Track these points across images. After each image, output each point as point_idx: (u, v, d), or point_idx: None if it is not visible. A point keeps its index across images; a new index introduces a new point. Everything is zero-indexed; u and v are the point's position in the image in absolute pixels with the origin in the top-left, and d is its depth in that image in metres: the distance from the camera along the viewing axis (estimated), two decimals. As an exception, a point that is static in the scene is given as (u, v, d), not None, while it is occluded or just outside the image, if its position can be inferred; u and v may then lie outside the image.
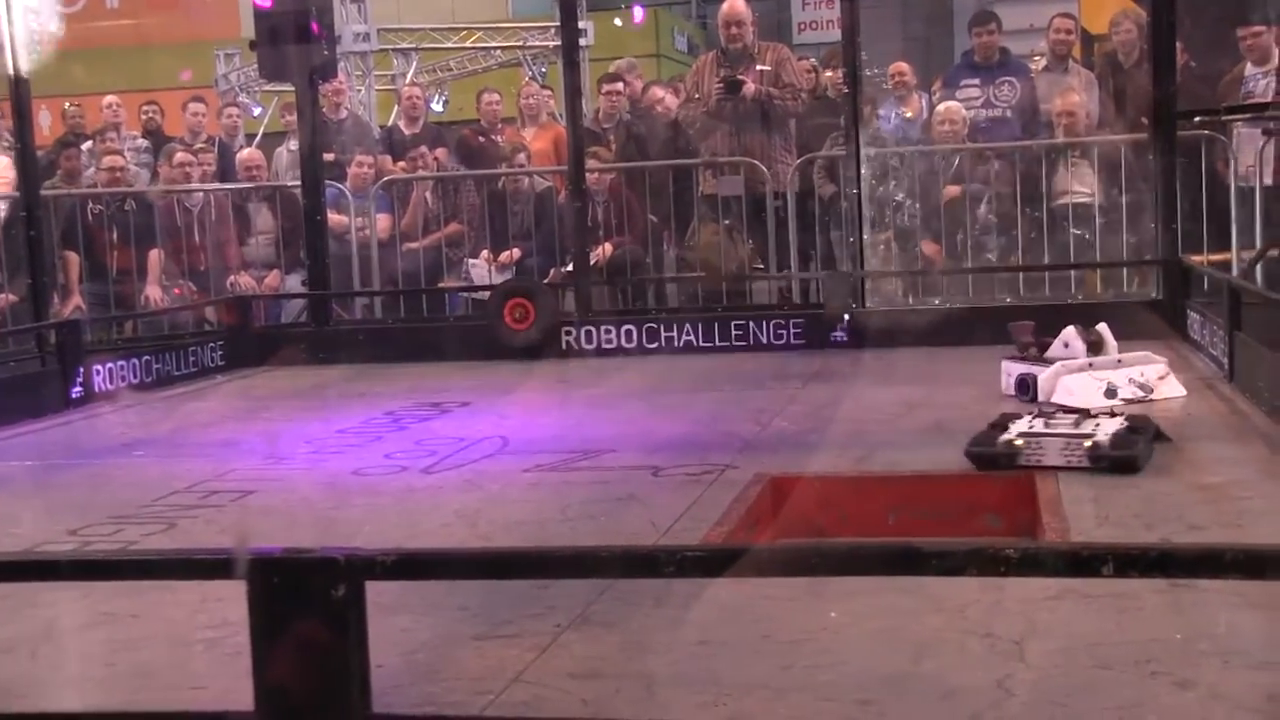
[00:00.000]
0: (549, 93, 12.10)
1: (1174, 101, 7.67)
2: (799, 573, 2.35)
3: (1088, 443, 4.47)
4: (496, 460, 5.20)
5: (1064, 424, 4.75)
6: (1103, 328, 6.00)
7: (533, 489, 4.69)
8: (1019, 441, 4.58)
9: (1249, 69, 9.06)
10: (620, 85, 10.53)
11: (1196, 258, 8.08)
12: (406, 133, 10.94)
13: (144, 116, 11.72)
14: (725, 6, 9.56)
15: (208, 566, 2.19)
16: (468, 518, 4.31)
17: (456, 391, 6.97)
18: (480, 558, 2.35)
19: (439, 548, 2.22)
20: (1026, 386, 5.78)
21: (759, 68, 9.31)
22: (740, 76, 9.18)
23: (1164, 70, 7.64)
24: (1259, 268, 7.88)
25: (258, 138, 14.10)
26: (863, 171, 8.42)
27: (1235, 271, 7.99)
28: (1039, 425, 4.74)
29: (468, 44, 18.07)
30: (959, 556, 2.12)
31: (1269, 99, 8.08)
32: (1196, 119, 8.13)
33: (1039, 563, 2.13)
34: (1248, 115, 7.96)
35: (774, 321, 8.11)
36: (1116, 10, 9.94)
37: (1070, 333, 5.92)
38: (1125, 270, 8.71)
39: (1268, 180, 8.36)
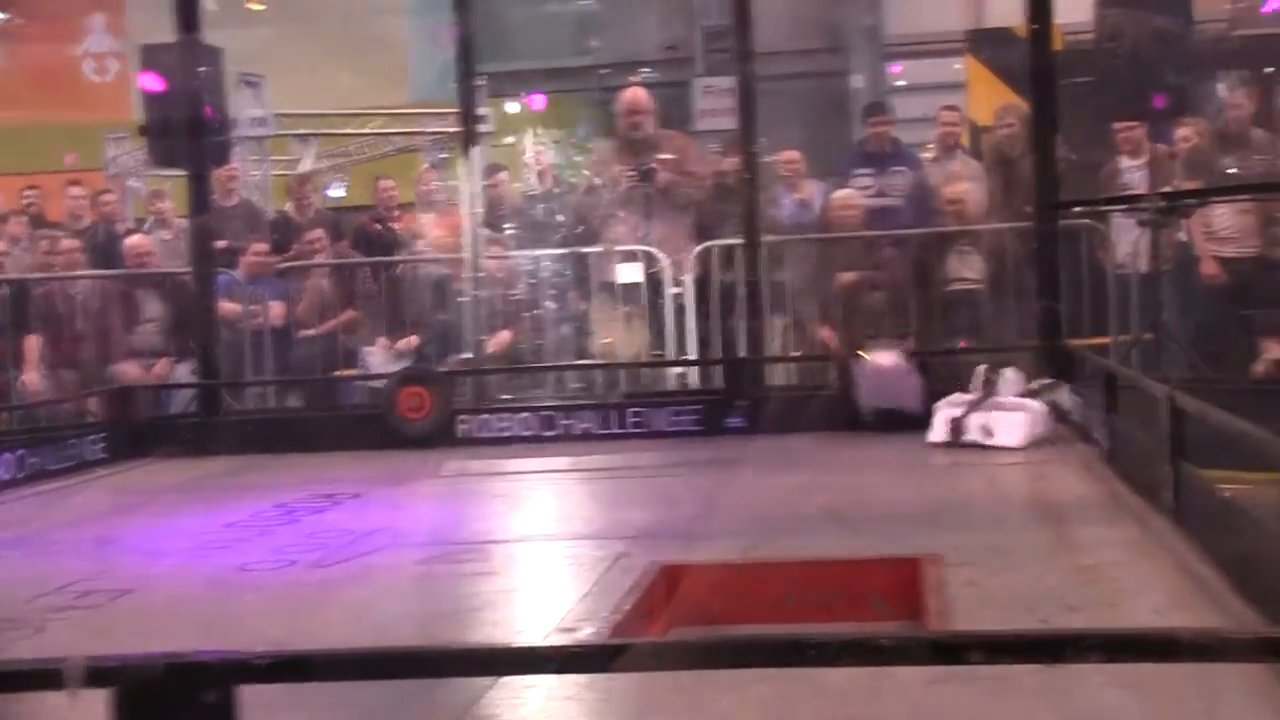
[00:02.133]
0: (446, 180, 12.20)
1: (1055, 191, 7.91)
2: (684, 667, 2.38)
3: None
4: (388, 553, 5.16)
5: None
6: (1008, 371, 6.46)
7: (425, 582, 4.67)
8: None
9: (1124, 162, 9.42)
10: (504, 175, 10.64)
11: (1078, 342, 8.31)
12: (298, 219, 10.96)
13: (24, 201, 11.60)
14: (626, 95, 9.69)
15: (66, 676, 2.16)
16: (357, 613, 4.28)
17: (349, 482, 6.90)
18: (358, 658, 2.34)
19: (316, 648, 2.21)
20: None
21: (663, 156, 9.45)
22: (651, 165, 9.30)
23: (1045, 161, 7.87)
24: (1134, 352, 8.16)
25: (148, 223, 14.00)
26: (760, 258, 8.56)
27: (1113, 356, 8.25)
28: None
29: (366, 130, 18.12)
30: (835, 647, 2.18)
31: (1142, 191, 8.39)
32: (1076, 209, 8.40)
33: (910, 653, 2.19)
34: (1123, 206, 8.27)
35: (671, 408, 8.16)
36: (1001, 104, 10.27)
37: (979, 372, 6.54)
38: (1013, 354, 8.89)
39: (1144, 268, 8.65)
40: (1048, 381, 6.70)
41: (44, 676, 2.10)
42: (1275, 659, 2.36)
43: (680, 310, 9.36)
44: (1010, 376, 6.54)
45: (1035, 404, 6.61)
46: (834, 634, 2.16)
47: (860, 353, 7.26)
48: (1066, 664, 2.12)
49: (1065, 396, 6.70)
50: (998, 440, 6.39)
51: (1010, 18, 9.70)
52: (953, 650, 2.19)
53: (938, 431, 6.63)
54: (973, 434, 6.32)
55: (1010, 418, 6.45)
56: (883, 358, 7.12)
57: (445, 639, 3.87)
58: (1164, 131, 9.31)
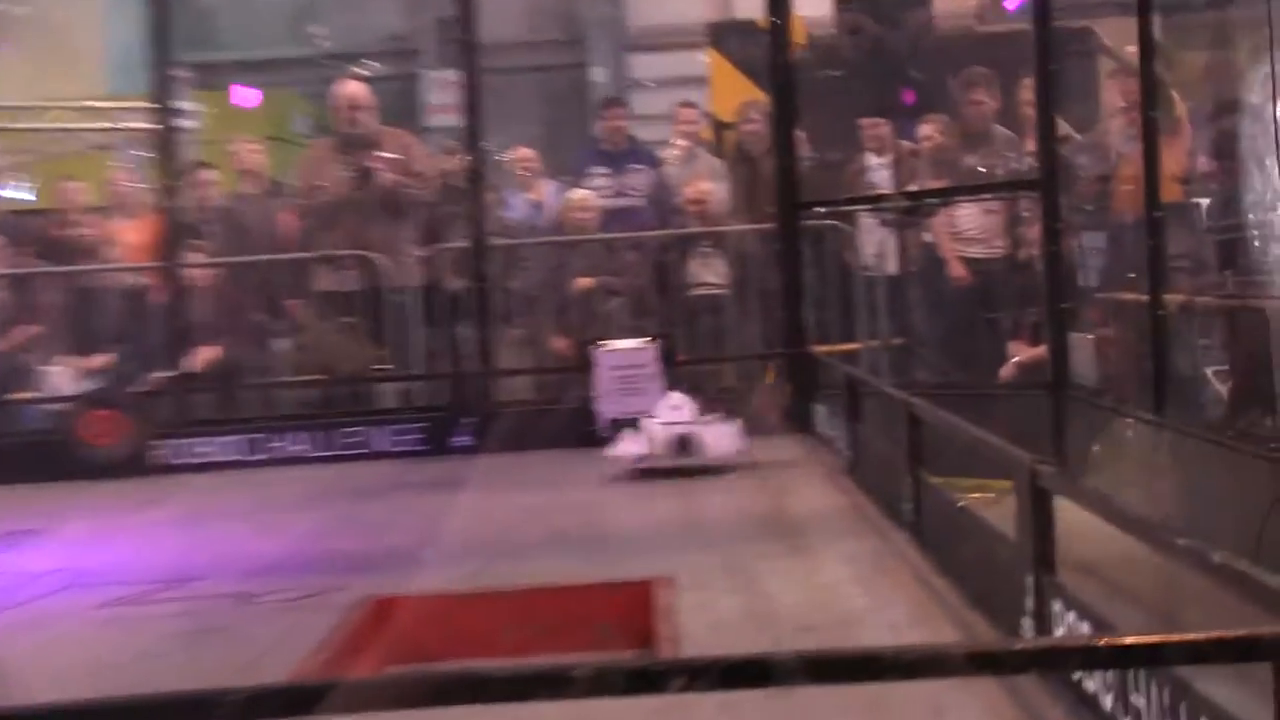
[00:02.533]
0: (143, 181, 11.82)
1: (798, 190, 8.12)
2: (371, 708, 2.35)
3: None
4: (67, 596, 4.98)
5: None
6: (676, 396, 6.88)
7: (107, 627, 4.52)
8: None
9: (870, 159, 9.72)
10: (212, 175, 10.37)
11: (824, 348, 8.53)
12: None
13: None
14: (343, 89, 9.51)
15: None
16: (33, 663, 4.10)
17: (26, 517, 6.62)
18: (31, 714, 2.25)
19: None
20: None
21: (383, 154, 9.34)
22: (372, 165, 9.19)
23: (786, 159, 8.08)
24: (885, 357, 8.44)
25: None
26: (490, 264, 8.55)
27: (862, 363, 8.51)
28: None
29: (53, 124, 17.43)
30: (525, 681, 2.18)
31: (889, 189, 8.68)
32: (819, 209, 8.64)
33: (607, 683, 2.20)
34: (867, 206, 8.55)
35: (393, 427, 8.10)
36: (743, 100, 10.48)
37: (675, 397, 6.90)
38: (759, 362, 9.10)
39: (891, 269, 8.94)
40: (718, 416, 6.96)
41: None
42: (985, 672, 2.45)
43: (404, 320, 9.26)
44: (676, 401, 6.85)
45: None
46: (524, 667, 2.16)
47: (599, 345, 7.38)
48: (774, 687, 2.17)
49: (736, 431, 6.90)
50: (710, 454, 6.61)
51: (754, 10, 9.92)
52: (652, 678, 2.21)
53: (634, 445, 6.75)
54: (667, 449, 6.65)
55: (717, 430, 6.73)
56: (624, 350, 7.23)
57: (127, 689, 3.73)
58: (909, 129, 9.64)
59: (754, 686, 2.23)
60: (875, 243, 9.08)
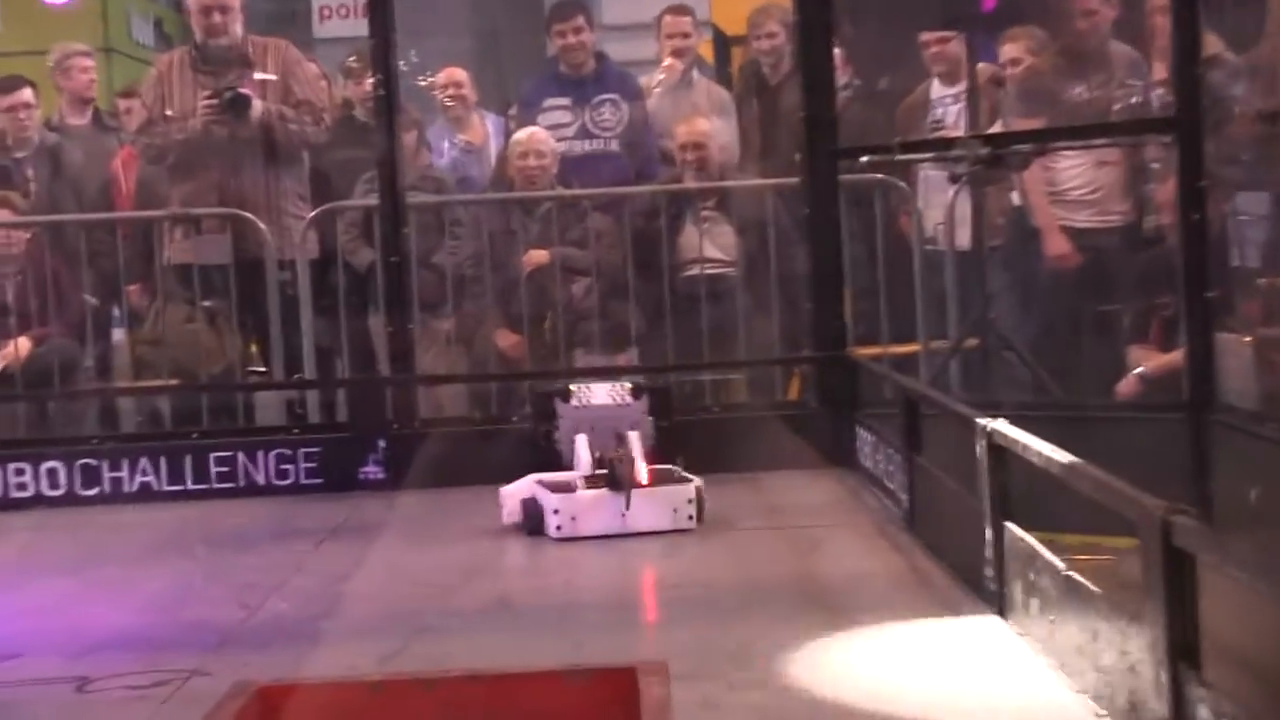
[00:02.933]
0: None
1: (834, 132, 8.13)
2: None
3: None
4: None
5: None
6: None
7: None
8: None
9: (935, 89, 9.67)
10: (29, 94, 10.38)
11: (869, 351, 8.54)
12: None
13: None
14: None
15: None
16: None
17: None
18: None
19: None
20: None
21: (258, 75, 9.34)
22: (241, 89, 9.22)
23: (819, 88, 8.09)
24: (953, 364, 8.43)
25: None
26: (408, 230, 8.56)
27: (923, 372, 8.51)
28: None
29: None
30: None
31: (962, 132, 8.63)
32: (864, 158, 8.59)
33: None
34: (932, 155, 8.47)
35: (276, 451, 8.13)
36: (756, 7, 10.43)
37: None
38: (777, 370, 9.12)
39: (963, 243, 8.89)
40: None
41: None
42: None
43: (290, 306, 9.28)
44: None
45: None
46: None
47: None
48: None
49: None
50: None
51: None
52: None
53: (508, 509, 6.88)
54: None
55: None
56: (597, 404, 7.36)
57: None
58: (990, 48, 9.58)
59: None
60: (942, 205, 9.05)
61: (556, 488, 6.73)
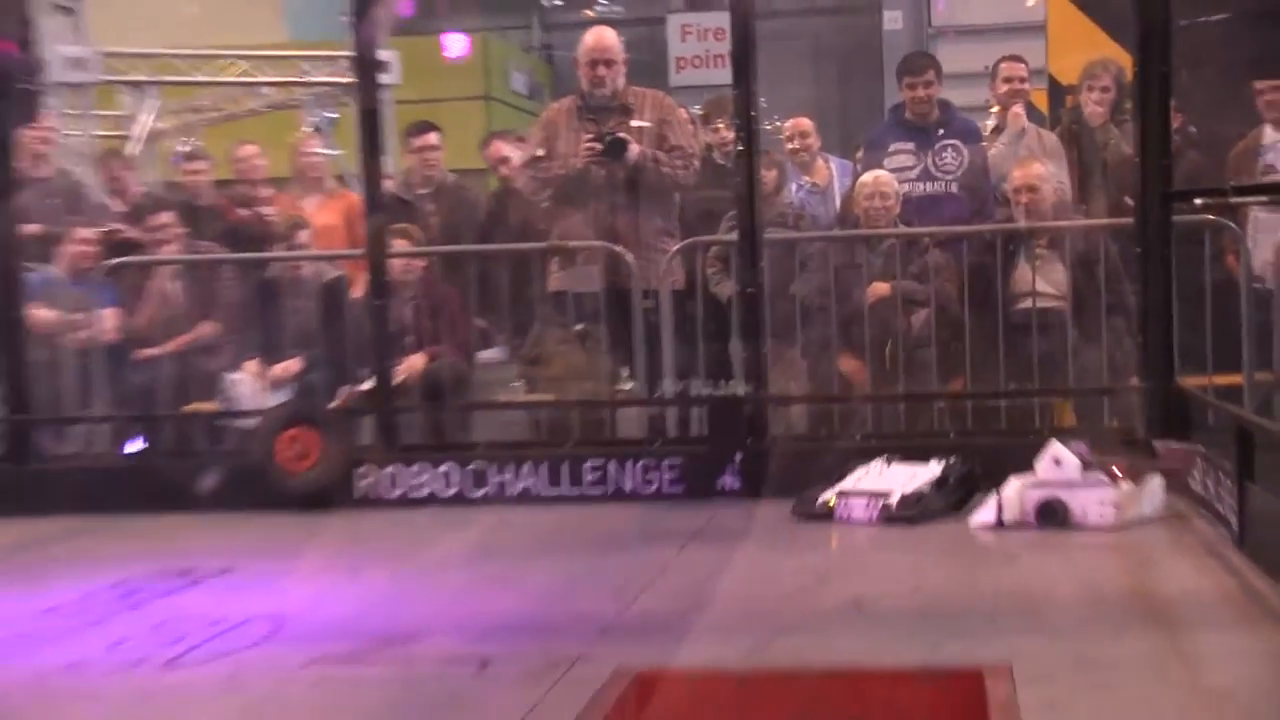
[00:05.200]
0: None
1: (1167, 177, 7.99)
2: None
3: (882, 501, 7.02)
4: (267, 650, 5.21)
5: (874, 481, 7.27)
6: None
7: (316, 690, 4.72)
8: (833, 500, 7.13)
9: (1268, 134, 9.42)
10: (435, 137, 10.67)
11: (1196, 381, 8.37)
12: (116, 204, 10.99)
13: None
14: (590, 38, 9.66)
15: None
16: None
17: (212, 554, 6.93)
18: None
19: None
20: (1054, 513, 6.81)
21: (635, 123, 9.50)
22: (619, 134, 9.35)
23: (1155, 135, 7.93)
24: (1277, 397, 8.20)
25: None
26: (764, 264, 8.59)
27: (1247, 402, 8.30)
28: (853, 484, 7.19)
29: (226, 77, 18.10)
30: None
31: (1291, 176, 8.41)
32: (1197, 200, 8.41)
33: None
34: (1264, 198, 8.24)
35: (643, 462, 8.20)
36: (1092, 59, 10.27)
37: (1059, 449, 6.96)
38: (1105, 398, 8.98)
39: (1291, 280, 8.69)
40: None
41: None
42: None
43: (652, 330, 9.39)
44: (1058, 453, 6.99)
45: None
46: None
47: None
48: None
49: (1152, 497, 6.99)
50: (1085, 520, 6.79)
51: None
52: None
53: (985, 511, 6.96)
54: (1027, 515, 6.86)
55: (1094, 494, 6.84)
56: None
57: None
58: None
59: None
60: (1271, 245, 8.83)
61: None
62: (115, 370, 9.69)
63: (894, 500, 7.09)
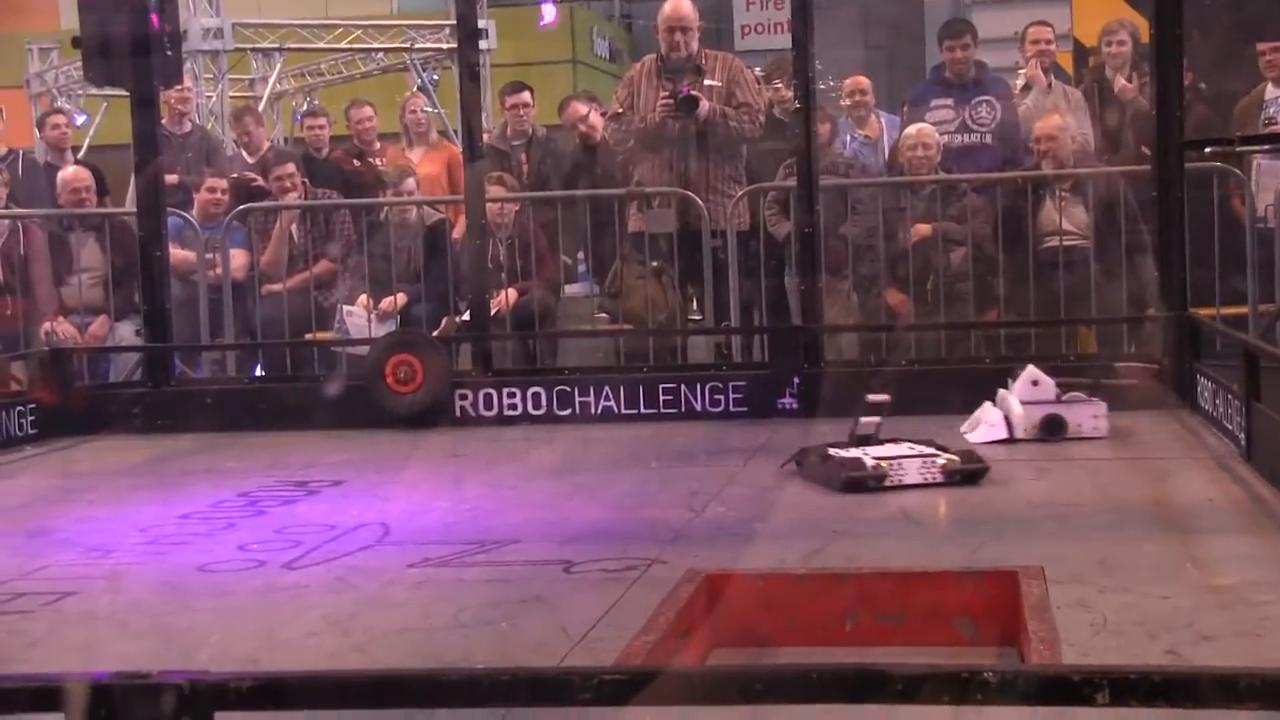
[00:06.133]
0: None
1: (1180, 128, 7.84)
2: (742, 700, 2.37)
3: (941, 459, 5.95)
4: (375, 553, 5.19)
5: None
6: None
7: (419, 589, 4.69)
8: (884, 464, 5.95)
9: (1270, 91, 9.33)
10: (528, 96, 10.65)
11: (1207, 312, 8.25)
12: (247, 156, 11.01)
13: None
14: (668, 7, 9.68)
15: (8, 695, 2.15)
16: (340, 625, 4.29)
17: (327, 468, 6.95)
18: (356, 681, 2.35)
19: (305, 671, 2.21)
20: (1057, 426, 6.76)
21: (708, 82, 9.44)
22: (693, 91, 9.30)
23: (1169, 91, 7.79)
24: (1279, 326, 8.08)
25: (82, 151, 14.03)
26: (819, 207, 8.50)
27: (1252, 330, 8.17)
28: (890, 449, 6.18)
29: (343, 44, 18.12)
30: (928, 682, 2.16)
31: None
32: (1207, 149, 8.33)
33: (1021, 689, 2.18)
34: (1268, 147, 8.17)
35: (711, 384, 8.15)
36: (1110, 19, 10.18)
37: (1035, 372, 6.94)
38: (1125, 326, 8.86)
39: (1293, 223, 8.58)
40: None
41: (17, 694, 2.10)
42: None
43: (720, 267, 9.36)
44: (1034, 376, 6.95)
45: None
46: (923, 668, 2.15)
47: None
48: (1211, 709, 2.11)
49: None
50: (1083, 432, 6.78)
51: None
52: (1072, 689, 2.17)
53: (994, 430, 6.86)
54: (1030, 433, 6.79)
55: (1088, 409, 6.83)
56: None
57: (444, 659, 3.88)
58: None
59: (1194, 707, 2.18)
60: (1273, 189, 8.74)
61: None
62: (242, 304, 9.70)
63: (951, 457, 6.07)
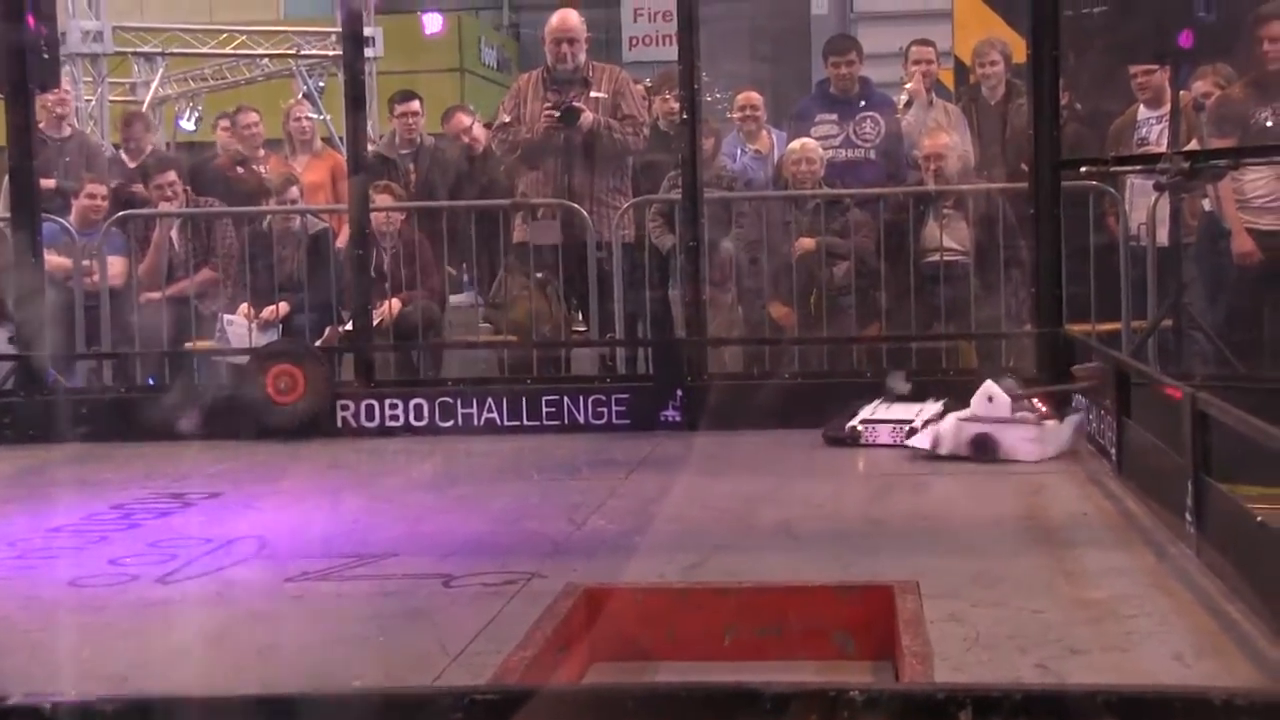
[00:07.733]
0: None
1: (1058, 148, 7.96)
2: (611, 718, 2.38)
3: (907, 427, 6.96)
4: (252, 566, 5.13)
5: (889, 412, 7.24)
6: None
7: (296, 603, 4.65)
8: (860, 426, 7.11)
9: (1142, 111, 9.47)
10: (417, 105, 10.62)
11: (1081, 328, 8.37)
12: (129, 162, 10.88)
13: None
14: (556, 19, 9.67)
15: None
16: (214, 640, 4.25)
17: (204, 479, 6.88)
18: (228, 704, 2.32)
19: (175, 692, 2.18)
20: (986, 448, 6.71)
21: (594, 94, 9.44)
22: (576, 103, 9.30)
23: (1045, 110, 7.91)
24: (1151, 342, 8.22)
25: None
26: (704, 220, 8.54)
27: (1125, 347, 8.31)
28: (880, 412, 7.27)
29: (227, 49, 17.95)
30: (795, 700, 2.19)
31: (1163, 148, 8.42)
32: (1083, 169, 8.45)
33: (886, 707, 2.20)
34: (1139, 167, 8.31)
35: (594, 397, 8.16)
36: (981, 39, 10.32)
37: (992, 387, 6.90)
38: (1002, 342, 8.97)
39: (1162, 240, 8.69)
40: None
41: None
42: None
43: (605, 279, 9.37)
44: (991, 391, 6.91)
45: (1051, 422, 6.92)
46: (792, 684, 2.17)
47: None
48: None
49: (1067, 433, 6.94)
50: (1014, 454, 6.70)
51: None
52: (937, 707, 2.20)
53: (922, 438, 6.88)
54: (961, 448, 6.72)
55: (1021, 431, 6.75)
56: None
57: (321, 675, 3.85)
58: (1190, 77, 9.35)
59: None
60: (1145, 208, 8.84)
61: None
62: (119, 312, 9.56)
63: (918, 424, 7.02)
